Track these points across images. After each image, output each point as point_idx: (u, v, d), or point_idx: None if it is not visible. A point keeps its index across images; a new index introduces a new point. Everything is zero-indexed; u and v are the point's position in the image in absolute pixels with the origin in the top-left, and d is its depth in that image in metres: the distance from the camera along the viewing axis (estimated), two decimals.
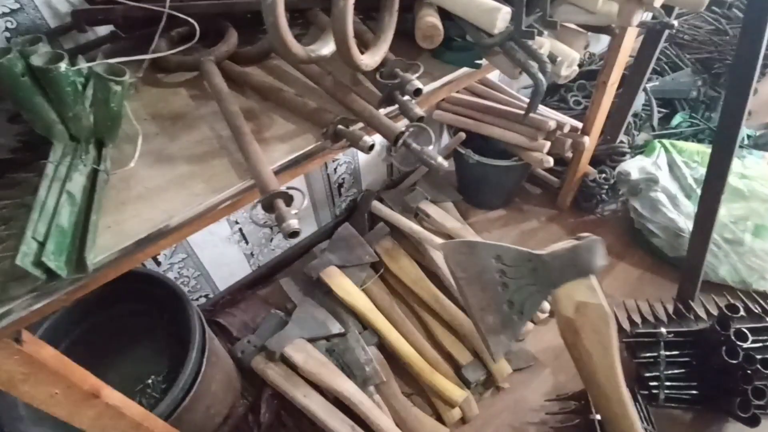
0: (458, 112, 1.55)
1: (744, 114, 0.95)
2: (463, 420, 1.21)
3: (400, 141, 0.60)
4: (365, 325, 1.34)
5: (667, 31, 1.24)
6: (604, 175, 1.57)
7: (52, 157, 0.53)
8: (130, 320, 1.10)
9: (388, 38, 0.62)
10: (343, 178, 1.54)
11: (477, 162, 1.49)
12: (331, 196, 1.56)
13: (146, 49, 0.73)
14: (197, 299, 1.39)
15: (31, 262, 0.44)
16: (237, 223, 1.33)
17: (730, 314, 1.10)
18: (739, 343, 1.07)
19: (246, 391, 1.26)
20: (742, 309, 1.16)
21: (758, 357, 1.07)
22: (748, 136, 1.66)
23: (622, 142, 1.59)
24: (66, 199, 0.50)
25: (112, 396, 0.73)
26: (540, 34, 0.66)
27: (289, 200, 0.54)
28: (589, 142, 1.41)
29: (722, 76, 1.85)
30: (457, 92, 1.63)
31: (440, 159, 0.61)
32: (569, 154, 1.47)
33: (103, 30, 0.81)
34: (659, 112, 1.81)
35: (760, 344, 1.12)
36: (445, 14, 0.71)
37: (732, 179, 1.40)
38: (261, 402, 1.21)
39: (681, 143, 1.47)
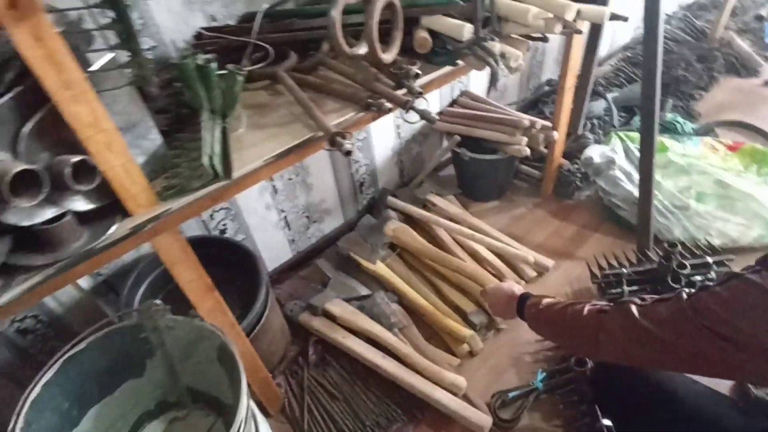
0: (454, 122, 1.94)
1: (655, 106, 1.33)
2: (471, 353, 1.50)
3: (408, 105, 0.96)
4: (387, 289, 1.66)
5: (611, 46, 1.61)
6: (576, 165, 1.92)
7: (203, 118, 0.90)
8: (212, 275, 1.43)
9: (398, 44, 1.00)
10: (363, 178, 1.91)
11: (470, 158, 1.86)
12: (354, 194, 1.92)
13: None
14: None
15: (208, 164, 0.80)
16: (283, 211, 1.69)
17: (671, 250, 1.41)
18: (679, 270, 1.37)
19: (294, 342, 1.57)
20: (684, 251, 1.47)
21: (698, 281, 1.37)
22: (693, 129, 2.02)
23: (587, 137, 1.95)
24: (217, 138, 0.87)
25: (219, 297, 1.06)
26: (492, 40, 1.04)
27: (343, 137, 0.90)
28: (558, 136, 1.78)
29: (669, 86, 2.24)
30: (453, 108, 2.02)
31: (434, 114, 0.97)
32: (544, 149, 1.83)
33: None
34: (621, 117, 2.18)
35: (701, 275, 1.42)
36: (433, 33, 1.09)
37: (676, 158, 1.74)
38: (308, 346, 1.52)
39: (633, 134, 1.83)
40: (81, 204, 0.74)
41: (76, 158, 0.68)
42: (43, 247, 0.70)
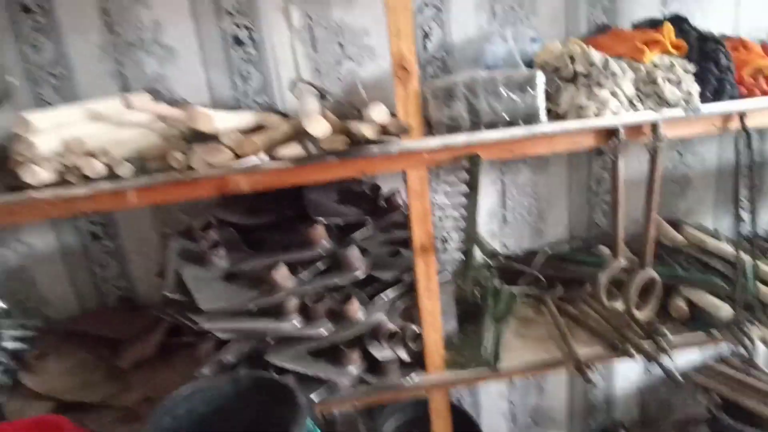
0: (716, 380, 1.83)
1: None
2: None
3: (653, 359, 1.14)
4: None
5: None
6: None
7: (486, 319, 1.29)
8: None
9: (653, 308, 1.23)
10: (598, 403, 1.94)
11: (731, 427, 1.69)
12: (584, 415, 1.95)
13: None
14: None
15: (484, 353, 1.16)
16: (512, 404, 1.89)
17: None
18: None
19: None
20: None
21: None
22: None
23: None
24: (492, 336, 1.24)
25: None
26: (752, 323, 1.14)
27: (588, 367, 1.14)
28: None
29: None
30: (718, 364, 1.92)
31: (679, 377, 1.11)
32: None
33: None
34: None
35: None
36: (691, 303, 1.27)
37: None
38: None
39: None
40: (404, 355, 1.19)
41: (416, 328, 1.15)
42: (378, 374, 1.16)
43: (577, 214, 1.70)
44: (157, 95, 1.33)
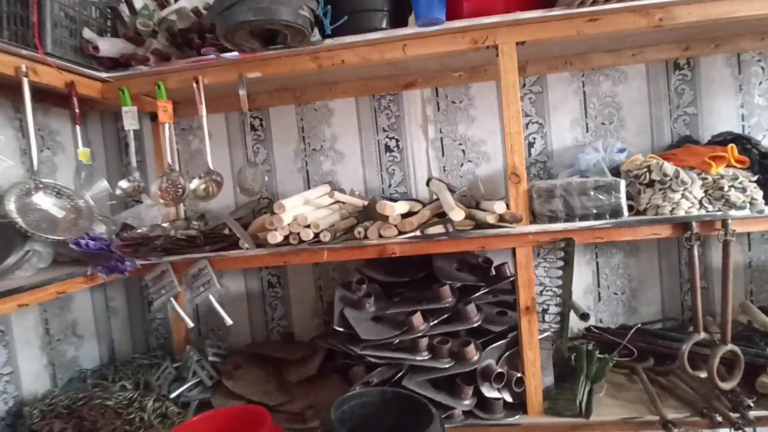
0: None
1: None
2: None
3: (737, 427, 1.28)
4: None
5: None
6: None
7: (580, 378, 1.52)
8: None
9: (736, 379, 1.38)
10: None
11: None
12: None
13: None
14: None
15: (577, 405, 1.39)
16: None
17: None
18: None
19: None
20: None
21: None
22: None
23: None
24: (585, 392, 1.46)
25: None
26: None
27: (674, 425, 1.31)
28: None
29: None
30: None
31: None
32: None
33: None
34: None
35: None
36: None
37: None
38: None
39: None
40: (508, 396, 1.46)
41: (518, 375, 1.44)
42: (485, 411, 1.44)
43: (670, 296, 1.88)
44: (331, 186, 1.88)
